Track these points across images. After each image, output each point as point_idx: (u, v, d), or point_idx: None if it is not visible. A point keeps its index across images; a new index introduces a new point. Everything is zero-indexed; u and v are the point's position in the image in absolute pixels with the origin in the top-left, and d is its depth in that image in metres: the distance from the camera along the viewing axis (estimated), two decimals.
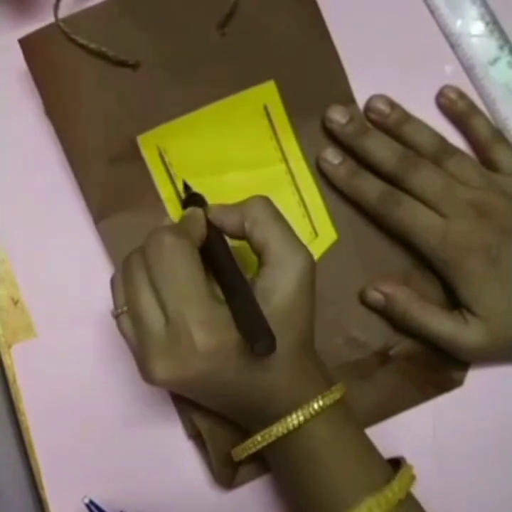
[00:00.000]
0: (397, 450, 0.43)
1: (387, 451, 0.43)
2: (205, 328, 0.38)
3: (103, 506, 0.44)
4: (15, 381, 0.47)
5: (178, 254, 0.39)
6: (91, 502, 0.43)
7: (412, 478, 0.41)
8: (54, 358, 0.47)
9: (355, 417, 0.42)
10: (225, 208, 0.42)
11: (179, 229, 0.41)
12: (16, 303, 0.48)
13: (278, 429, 0.39)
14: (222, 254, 0.41)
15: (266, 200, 0.42)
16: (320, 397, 0.39)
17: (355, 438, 0.41)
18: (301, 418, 0.39)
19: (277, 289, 0.39)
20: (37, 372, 0.47)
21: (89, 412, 0.47)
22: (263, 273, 0.40)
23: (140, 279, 0.39)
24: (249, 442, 0.41)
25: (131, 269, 0.40)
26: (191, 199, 0.45)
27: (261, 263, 0.41)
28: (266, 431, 0.40)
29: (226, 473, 0.45)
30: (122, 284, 0.41)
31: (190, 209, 0.43)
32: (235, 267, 0.41)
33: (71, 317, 0.47)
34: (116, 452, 0.47)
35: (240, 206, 0.42)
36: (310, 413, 0.39)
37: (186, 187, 0.47)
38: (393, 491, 0.39)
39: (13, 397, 0.47)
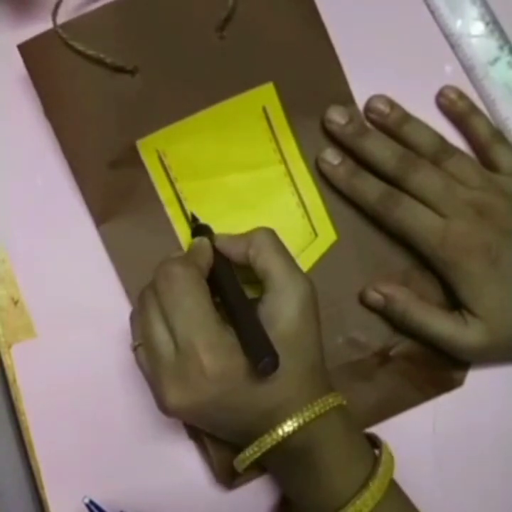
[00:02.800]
0: (397, 450, 0.43)
1: None
2: (212, 352, 0.39)
3: (103, 506, 0.44)
4: (15, 381, 0.47)
5: (185, 283, 0.40)
6: (91, 502, 0.44)
7: (392, 460, 0.41)
8: (54, 358, 0.47)
9: (351, 422, 0.42)
10: (232, 237, 0.44)
11: (186, 259, 0.43)
12: (15, 303, 0.48)
13: (272, 438, 0.40)
14: (228, 281, 0.43)
15: (270, 232, 0.43)
16: (314, 404, 0.40)
17: (350, 443, 0.42)
18: (296, 425, 0.40)
19: (281, 314, 0.41)
20: (37, 372, 0.47)
21: (89, 412, 0.47)
22: (266, 299, 0.41)
23: (151, 310, 0.41)
24: (244, 453, 0.41)
25: (143, 302, 0.42)
26: (198, 229, 0.46)
27: (264, 290, 0.42)
28: (261, 439, 0.40)
29: (226, 473, 0.45)
30: (138, 317, 0.42)
31: (197, 239, 0.45)
32: (240, 292, 0.42)
33: (71, 317, 0.47)
34: (116, 452, 0.47)
35: (246, 236, 0.43)
36: (304, 420, 0.40)
37: (194, 218, 0.47)
38: (376, 487, 0.39)
39: (13, 397, 0.47)
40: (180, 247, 0.47)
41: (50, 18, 0.45)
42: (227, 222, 0.48)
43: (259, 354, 0.38)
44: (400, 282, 0.47)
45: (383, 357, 0.47)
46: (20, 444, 0.47)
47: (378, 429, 0.46)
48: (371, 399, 0.47)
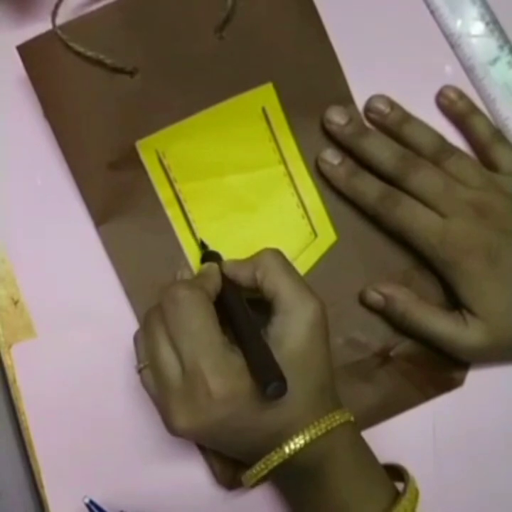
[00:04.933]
0: (397, 450, 0.44)
1: (387, 451, 0.43)
2: (219, 375, 0.39)
3: (103, 506, 0.44)
4: (15, 381, 0.47)
5: (192, 306, 0.41)
6: (91, 502, 0.44)
7: (417, 492, 0.41)
8: (54, 358, 0.47)
9: (360, 439, 0.42)
10: (239, 262, 0.44)
11: (193, 283, 0.43)
12: (16, 303, 0.48)
13: (278, 455, 0.40)
14: (236, 305, 0.43)
15: (276, 252, 0.43)
16: (320, 421, 0.40)
17: (358, 459, 0.42)
18: (302, 442, 0.40)
19: (289, 336, 0.41)
20: (37, 372, 0.47)
21: (89, 411, 0.47)
22: (275, 321, 0.41)
23: (158, 333, 0.41)
24: (251, 471, 0.41)
25: (150, 324, 0.42)
26: (207, 256, 0.47)
27: (272, 312, 0.42)
28: (267, 457, 0.40)
29: (227, 473, 0.45)
30: (143, 339, 0.42)
31: (206, 264, 0.45)
32: (248, 316, 0.42)
33: (71, 317, 0.47)
34: (116, 452, 0.47)
35: (252, 259, 0.43)
36: (310, 438, 0.40)
37: (203, 245, 0.47)
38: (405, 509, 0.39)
39: (13, 397, 0.47)
40: (180, 249, 0.47)
41: (49, 18, 0.45)
42: (227, 222, 0.48)
43: (267, 379, 0.38)
44: (400, 282, 0.47)
45: (383, 357, 0.47)
46: (20, 444, 0.47)
47: (378, 429, 0.46)
48: (371, 399, 0.47)
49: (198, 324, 0.40)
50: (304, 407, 0.40)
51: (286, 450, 0.40)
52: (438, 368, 0.47)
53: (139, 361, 0.43)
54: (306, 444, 0.39)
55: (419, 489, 0.41)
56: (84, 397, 0.47)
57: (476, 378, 0.47)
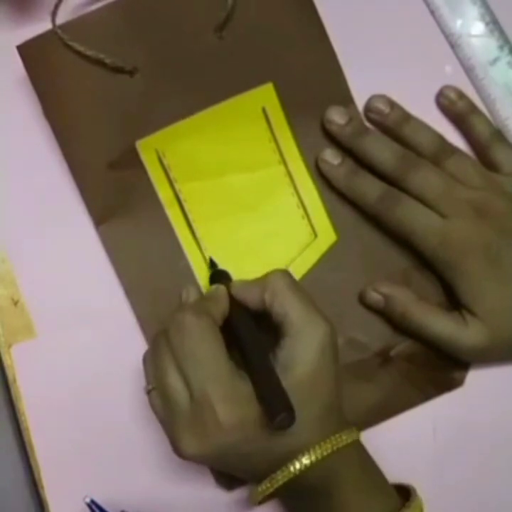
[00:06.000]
0: (397, 450, 0.43)
1: (387, 451, 0.43)
2: (227, 404, 0.39)
3: (104, 506, 0.44)
4: (15, 381, 0.47)
5: (198, 333, 0.40)
6: (92, 501, 0.44)
7: (421, 509, 0.41)
8: (54, 358, 0.47)
9: (367, 458, 0.42)
10: (247, 283, 0.44)
11: (199, 308, 0.42)
12: (15, 303, 0.48)
13: (283, 475, 0.40)
14: (245, 329, 0.42)
15: (284, 273, 0.43)
16: (326, 441, 0.40)
17: (365, 478, 0.42)
18: (307, 462, 0.40)
19: (298, 360, 0.40)
20: (37, 372, 0.47)
21: (89, 411, 0.47)
22: (284, 344, 0.41)
23: (165, 359, 0.41)
24: (257, 489, 0.41)
25: (157, 349, 0.42)
26: (216, 275, 0.47)
27: (282, 334, 0.41)
28: (273, 476, 0.40)
29: (226, 474, 0.45)
30: (151, 362, 0.42)
31: (214, 287, 0.45)
32: (257, 341, 0.42)
33: (71, 317, 0.47)
34: (116, 452, 0.47)
35: (260, 280, 0.43)
36: (316, 458, 0.40)
37: (212, 263, 0.47)
38: None
39: (13, 397, 0.47)
40: (180, 249, 0.47)
41: (49, 18, 0.45)
42: (227, 222, 0.48)
43: (275, 409, 0.37)
44: (400, 282, 0.47)
45: (383, 357, 0.47)
46: (20, 444, 0.47)
47: (378, 429, 0.46)
48: (371, 399, 0.47)
49: (205, 351, 0.40)
50: (310, 430, 0.40)
51: (292, 469, 0.40)
52: (438, 368, 0.47)
53: (147, 383, 0.42)
54: (311, 465, 0.39)
55: (423, 507, 0.42)
56: (85, 396, 0.47)
57: (476, 378, 0.47)
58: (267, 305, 0.42)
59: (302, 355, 0.40)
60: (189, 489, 0.47)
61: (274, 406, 0.38)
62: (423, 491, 0.42)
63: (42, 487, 0.46)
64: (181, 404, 0.40)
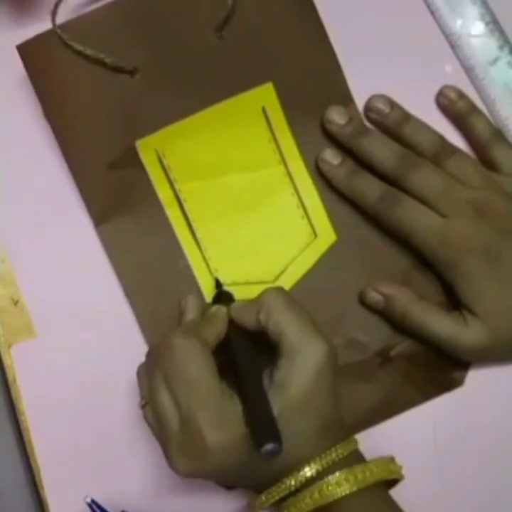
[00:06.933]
0: (397, 450, 0.43)
1: (387, 451, 0.43)
2: (215, 428, 0.39)
3: (104, 506, 0.44)
4: (15, 381, 0.47)
5: (187, 354, 0.40)
6: (93, 501, 0.44)
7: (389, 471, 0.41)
8: (54, 358, 0.47)
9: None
10: (244, 304, 0.44)
11: (190, 330, 0.42)
12: (15, 303, 0.48)
13: (279, 490, 0.40)
14: (240, 352, 0.42)
15: (278, 292, 0.43)
16: (322, 456, 0.40)
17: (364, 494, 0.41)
18: (303, 479, 0.39)
19: (294, 382, 0.40)
20: (37, 372, 0.47)
21: (89, 411, 0.47)
22: (281, 365, 0.41)
23: (157, 377, 0.41)
24: (254, 502, 0.41)
25: (150, 366, 0.42)
26: (220, 295, 0.46)
27: (279, 354, 0.41)
28: (268, 491, 0.40)
29: None
30: (144, 377, 0.42)
31: (215, 308, 0.44)
32: (252, 365, 0.41)
33: (71, 317, 0.47)
34: (116, 452, 0.47)
35: (256, 300, 0.43)
36: (311, 475, 0.39)
37: (218, 284, 0.47)
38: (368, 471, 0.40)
39: (13, 397, 0.47)
40: (180, 249, 0.47)
41: (49, 18, 0.45)
42: (227, 222, 0.48)
43: (263, 438, 0.37)
44: (400, 282, 0.47)
45: (383, 357, 0.47)
46: (20, 444, 0.48)
47: (378, 429, 0.46)
48: (371, 399, 0.47)
49: (193, 373, 0.40)
50: (306, 445, 0.40)
51: (287, 484, 0.40)
52: (438, 368, 0.47)
53: (141, 397, 0.42)
54: (306, 481, 0.39)
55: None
56: (85, 396, 0.47)
57: (476, 378, 0.47)
58: (263, 325, 0.42)
59: (297, 377, 0.40)
60: (189, 489, 0.47)
61: (262, 435, 0.37)
62: (423, 490, 0.42)
63: (42, 487, 0.46)
64: (172, 424, 0.40)
